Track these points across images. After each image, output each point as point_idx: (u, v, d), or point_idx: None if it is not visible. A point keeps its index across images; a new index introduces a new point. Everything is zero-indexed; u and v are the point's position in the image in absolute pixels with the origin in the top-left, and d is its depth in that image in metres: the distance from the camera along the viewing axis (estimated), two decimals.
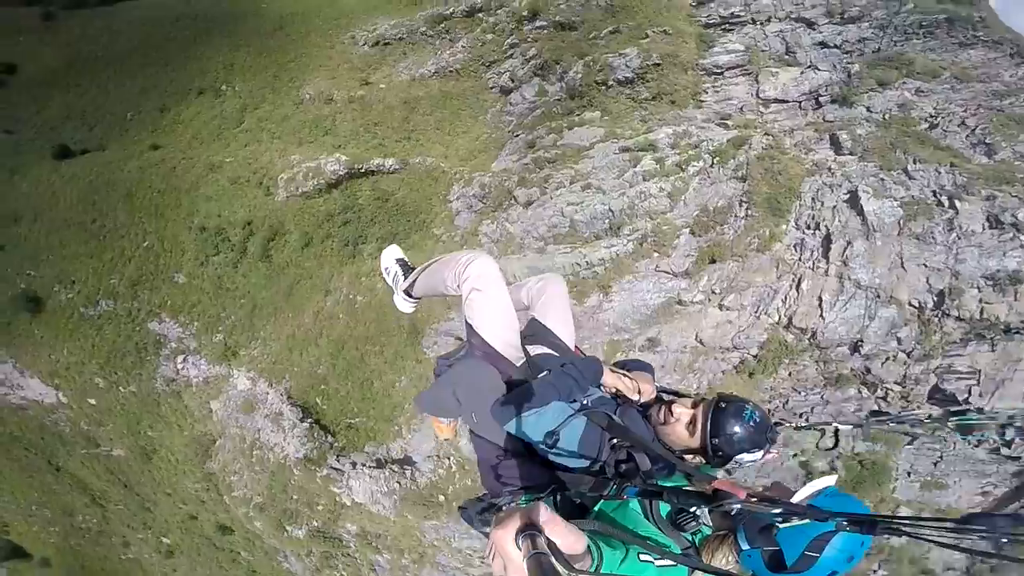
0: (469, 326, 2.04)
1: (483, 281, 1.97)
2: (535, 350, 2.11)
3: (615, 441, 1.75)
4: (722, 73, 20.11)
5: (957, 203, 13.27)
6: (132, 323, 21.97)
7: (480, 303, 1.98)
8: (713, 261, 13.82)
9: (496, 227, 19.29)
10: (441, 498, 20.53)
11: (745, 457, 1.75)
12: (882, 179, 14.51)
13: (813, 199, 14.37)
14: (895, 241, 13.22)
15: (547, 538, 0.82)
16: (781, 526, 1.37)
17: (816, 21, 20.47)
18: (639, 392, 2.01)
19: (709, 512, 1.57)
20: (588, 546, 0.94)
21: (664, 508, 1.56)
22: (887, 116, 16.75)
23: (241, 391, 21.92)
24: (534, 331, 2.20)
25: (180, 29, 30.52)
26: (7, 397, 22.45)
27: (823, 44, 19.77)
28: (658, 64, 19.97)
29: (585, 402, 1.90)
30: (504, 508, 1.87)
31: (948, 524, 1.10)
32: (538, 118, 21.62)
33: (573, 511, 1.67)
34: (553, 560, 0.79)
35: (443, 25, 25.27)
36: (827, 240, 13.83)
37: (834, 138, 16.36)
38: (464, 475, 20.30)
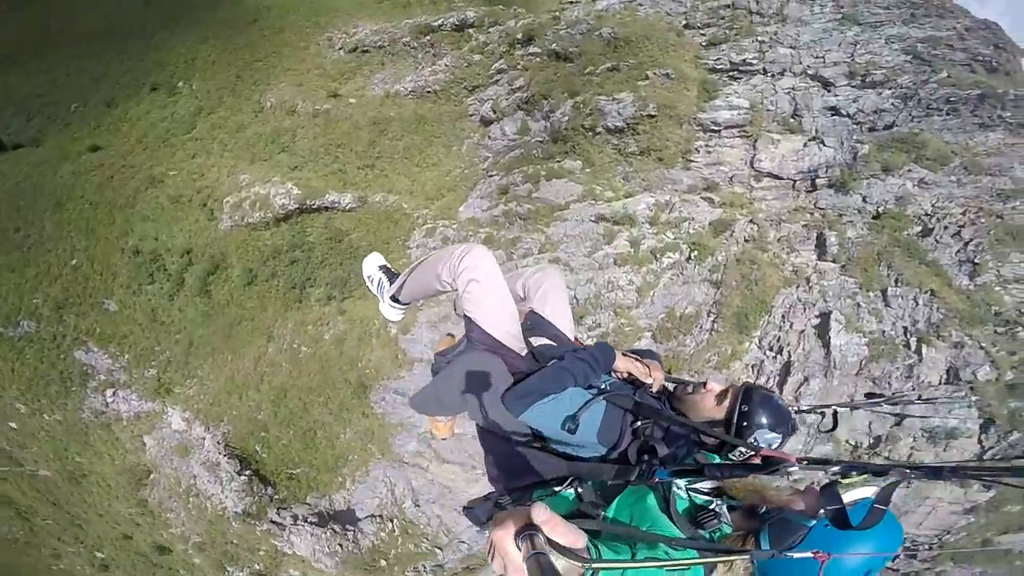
0: (468, 320, 1.98)
1: (480, 272, 1.90)
2: (537, 341, 2.05)
3: (637, 426, 1.71)
4: (719, 131, 18.02)
5: (924, 349, 11.91)
6: (57, 349, 20.09)
7: (479, 294, 1.91)
8: (669, 372, 12.14)
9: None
10: (383, 563, 19.27)
11: (765, 435, 1.67)
12: (858, 304, 12.92)
13: (783, 316, 12.78)
14: (851, 381, 11.93)
15: (547, 537, 0.80)
16: (843, 481, 1.30)
17: (834, 81, 18.32)
18: (651, 376, 1.99)
19: (732, 510, 1.53)
20: (587, 546, 0.91)
21: (683, 503, 1.51)
22: (881, 210, 14.90)
23: (176, 431, 20.30)
24: (534, 323, 2.13)
25: (150, 13, 27.77)
26: None
27: (834, 110, 17.67)
28: (652, 116, 17.82)
29: (603, 386, 1.85)
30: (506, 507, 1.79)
31: (1009, 466, 1.21)
32: (516, 159, 19.50)
33: (596, 501, 1.58)
34: (553, 560, 0.77)
35: (429, 37, 22.79)
36: (786, 369, 12.31)
37: (821, 238, 14.53)
38: (407, 539, 18.99)
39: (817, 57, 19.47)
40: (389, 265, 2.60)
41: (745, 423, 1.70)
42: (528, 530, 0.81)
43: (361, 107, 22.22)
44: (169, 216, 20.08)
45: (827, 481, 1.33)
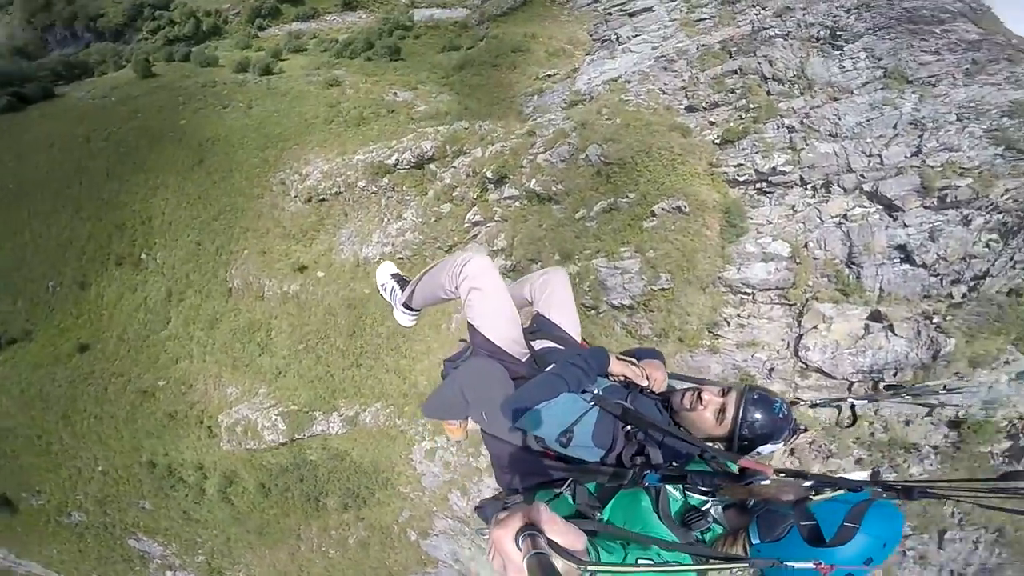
0: (471, 326, 2.04)
1: (480, 280, 1.96)
2: (540, 345, 2.10)
3: (629, 430, 1.73)
4: (752, 296, 14.76)
5: None
6: (111, 537, 21.22)
7: (479, 301, 1.97)
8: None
9: (467, 502, 16.33)
10: None
11: (767, 448, 1.71)
12: (903, 552, 10.87)
13: None
14: None
15: (548, 537, 0.82)
16: (815, 499, 1.31)
17: (901, 204, 14.26)
18: (648, 378, 1.99)
19: (723, 509, 1.51)
20: (587, 546, 0.92)
21: (675, 505, 1.50)
22: (962, 415, 11.97)
23: None
24: (539, 326, 2.19)
25: (92, 155, 25.58)
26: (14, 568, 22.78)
27: (904, 254, 13.85)
28: (665, 289, 14.74)
29: (597, 392, 1.85)
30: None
31: (983, 485, 1.12)
32: None
33: (590, 503, 1.61)
34: (553, 559, 0.78)
35: (387, 179, 19.46)
36: None
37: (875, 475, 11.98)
38: None
39: (871, 155, 15.02)
40: (401, 273, 2.72)
41: (747, 443, 1.70)
42: (528, 530, 0.82)
43: (332, 283, 19.98)
44: (171, 433, 19.66)
45: (801, 496, 1.33)
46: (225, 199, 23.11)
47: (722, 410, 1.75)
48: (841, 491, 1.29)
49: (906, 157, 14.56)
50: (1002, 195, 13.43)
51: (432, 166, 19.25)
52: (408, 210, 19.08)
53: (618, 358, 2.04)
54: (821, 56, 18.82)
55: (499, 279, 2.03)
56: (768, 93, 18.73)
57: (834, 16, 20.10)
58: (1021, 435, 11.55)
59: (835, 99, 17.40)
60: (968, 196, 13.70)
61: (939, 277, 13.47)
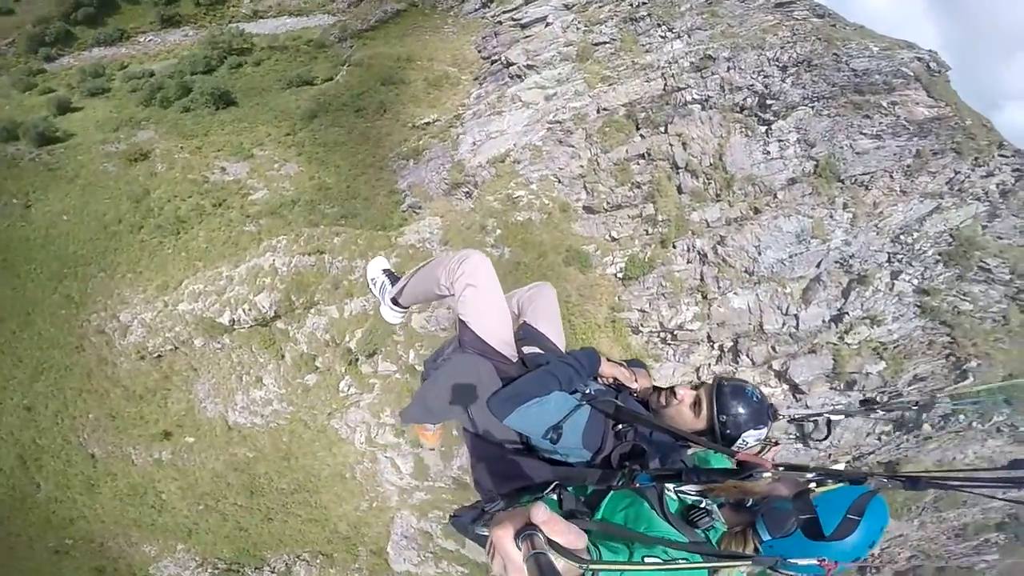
0: (462, 324, 2.00)
1: (477, 277, 1.93)
2: (529, 349, 2.08)
3: (619, 429, 1.71)
4: None
5: None
6: None
7: (475, 299, 1.94)
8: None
9: None
10: None
11: (751, 434, 1.71)
12: None
13: None
14: None
15: (547, 537, 0.80)
16: (817, 491, 1.33)
17: (809, 387, 12.64)
18: (636, 381, 2.01)
19: (724, 506, 1.50)
20: (587, 546, 0.92)
21: (674, 504, 1.45)
22: None
23: None
24: (526, 335, 2.16)
25: None
26: None
27: (801, 435, 12.42)
28: None
29: (588, 391, 1.84)
30: (495, 513, 1.76)
31: (988, 474, 1.14)
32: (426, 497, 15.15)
33: (577, 508, 1.53)
34: (553, 559, 0.77)
35: (227, 338, 15.59)
36: None
37: None
38: None
39: (787, 314, 13.02)
40: (392, 269, 2.66)
41: (729, 431, 1.71)
42: (528, 530, 0.81)
43: (208, 448, 16.61)
44: None
45: (801, 488, 1.34)
46: (37, 353, 18.10)
47: (697, 403, 1.78)
48: (843, 483, 1.29)
49: (824, 323, 12.47)
50: (909, 383, 11.94)
51: (279, 323, 15.35)
52: (267, 375, 15.70)
53: (608, 360, 2.05)
54: (744, 135, 15.62)
55: (495, 278, 2.00)
56: (679, 191, 15.57)
57: (766, 75, 16.45)
58: None
59: (756, 210, 14.65)
60: (876, 384, 12.07)
61: (830, 456, 12.26)
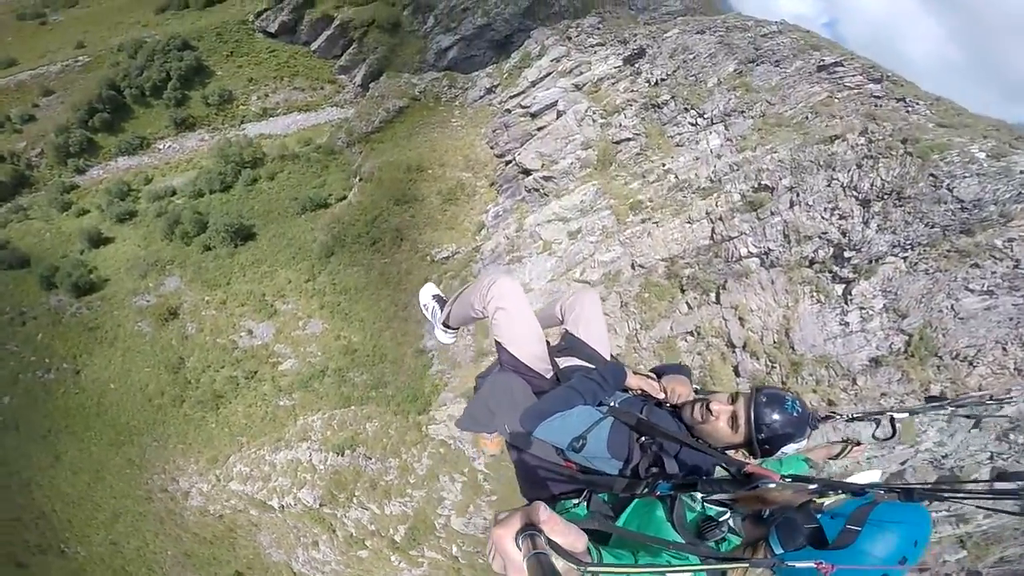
0: (498, 344, 2.13)
1: (505, 300, 2.05)
2: (566, 362, 2.18)
3: (643, 441, 1.76)
4: None
5: None
6: None
7: (505, 321, 2.06)
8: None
9: None
10: None
11: (790, 447, 1.73)
12: None
13: None
14: None
15: (548, 537, 0.82)
16: (818, 500, 1.38)
17: None
18: (666, 392, 2.04)
19: (741, 520, 1.52)
20: (588, 547, 0.95)
21: (690, 514, 1.53)
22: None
23: None
24: (569, 344, 2.26)
25: None
26: None
27: None
28: None
29: (613, 404, 1.93)
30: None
31: (984, 488, 1.12)
32: None
33: (604, 512, 1.70)
34: (553, 560, 0.79)
35: (279, 513, 15.98)
36: None
37: None
38: None
39: None
40: (442, 294, 2.85)
41: (768, 446, 1.71)
42: (529, 530, 0.81)
43: None
44: None
45: (804, 500, 1.35)
46: (112, 501, 19.88)
47: (734, 417, 1.75)
48: (845, 495, 1.31)
49: None
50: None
51: (325, 510, 15.69)
52: (322, 543, 16.18)
53: (635, 372, 2.10)
54: (816, 302, 13.19)
55: (524, 299, 2.09)
56: (736, 373, 13.49)
57: (841, 214, 13.63)
58: None
59: (830, 402, 12.33)
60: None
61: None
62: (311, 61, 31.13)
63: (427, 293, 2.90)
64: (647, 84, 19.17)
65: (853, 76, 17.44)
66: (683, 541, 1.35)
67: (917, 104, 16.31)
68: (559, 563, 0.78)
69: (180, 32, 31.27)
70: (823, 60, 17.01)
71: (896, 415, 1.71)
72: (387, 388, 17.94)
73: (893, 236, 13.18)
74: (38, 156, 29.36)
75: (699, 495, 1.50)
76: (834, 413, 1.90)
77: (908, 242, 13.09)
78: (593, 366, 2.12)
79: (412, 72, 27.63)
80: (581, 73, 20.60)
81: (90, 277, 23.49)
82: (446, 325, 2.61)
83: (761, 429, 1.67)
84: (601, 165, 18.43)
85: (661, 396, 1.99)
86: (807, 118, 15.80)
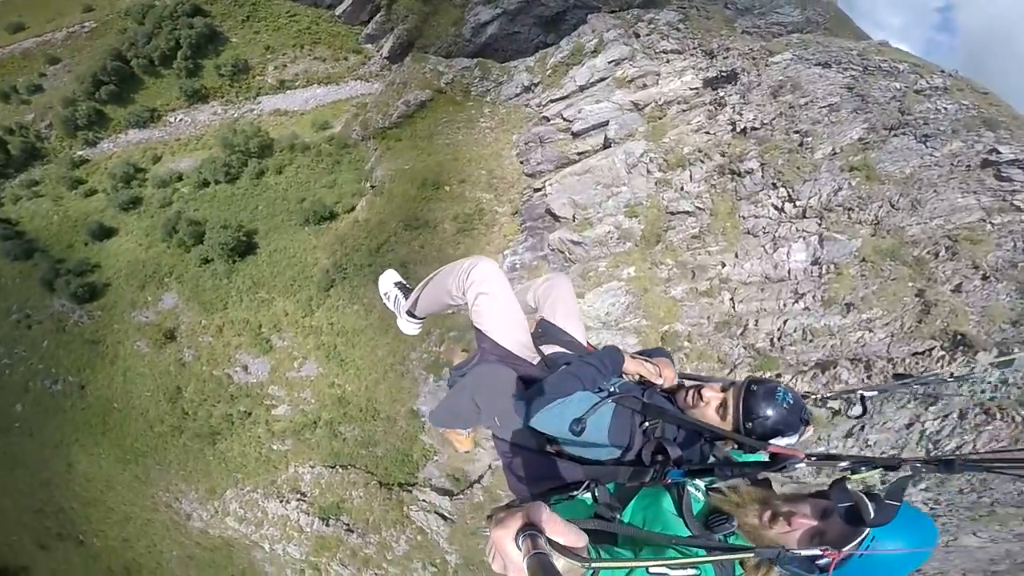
0: (479, 332, 1.99)
1: (487, 284, 1.93)
2: (548, 349, 2.06)
3: (646, 426, 1.66)
4: None
5: None
6: None
7: (487, 306, 1.94)
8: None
9: None
10: None
11: (780, 441, 1.61)
12: None
13: None
14: None
15: (548, 537, 0.81)
16: (853, 477, 1.28)
17: None
18: (661, 376, 1.94)
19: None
20: (587, 548, 0.91)
21: (696, 506, 1.43)
22: None
23: None
24: (545, 331, 2.15)
25: None
26: None
27: None
28: None
29: (612, 389, 1.80)
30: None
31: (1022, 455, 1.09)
32: None
33: (611, 503, 1.53)
34: (553, 560, 0.77)
35: None
36: None
37: None
38: None
39: None
40: (404, 281, 2.63)
41: (755, 436, 1.62)
42: (528, 530, 0.80)
43: None
44: None
45: (837, 477, 1.28)
46: (123, 507, 20.91)
47: (723, 405, 1.73)
48: (878, 469, 1.26)
49: None
50: None
51: (311, 558, 16.33)
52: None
53: (632, 357, 1.99)
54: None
55: (506, 283, 1.98)
56: None
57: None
58: None
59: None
60: None
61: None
62: (335, 27, 27.25)
63: (388, 280, 2.64)
64: (730, 128, 14.19)
65: None
66: (692, 534, 1.31)
67: None
68: (559, 562, 0.78)
69: None
70: (995, 150, 11.14)
71: (866, 393, 1.67)
72: (377, 448, 16.69)
73: None
74: (47, 128, 27.98)
75: (702, 483, 1.49)
76: (807, 394, 1.81)
77: None
78: (572, 352, 2.04)
79: (443, 50, 23.35)
80: (645, 87, 15.95)
81: (91, 280, 22.97)
82: (411, 314, 2.39)
83: (749, 420, 1.63)
84: (645, 243, 14.38)
85: (659, 381, 1.91)
86: (937, 254, 10.74)
